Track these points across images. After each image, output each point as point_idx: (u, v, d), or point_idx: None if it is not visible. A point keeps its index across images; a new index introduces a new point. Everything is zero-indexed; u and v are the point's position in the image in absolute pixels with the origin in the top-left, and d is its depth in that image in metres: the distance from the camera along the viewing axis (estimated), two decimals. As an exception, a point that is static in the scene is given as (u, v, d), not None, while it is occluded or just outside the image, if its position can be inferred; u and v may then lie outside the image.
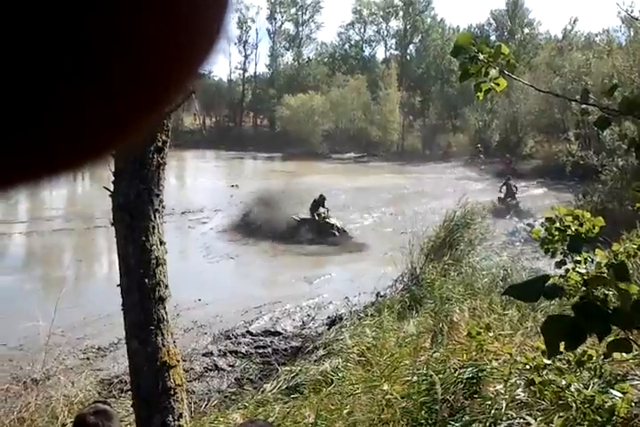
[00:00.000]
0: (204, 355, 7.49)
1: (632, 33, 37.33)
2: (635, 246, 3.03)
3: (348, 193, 22.88)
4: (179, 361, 3.44)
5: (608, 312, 1.25)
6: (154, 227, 3.28)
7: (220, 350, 7.64)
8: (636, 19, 28.71)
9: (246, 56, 58.00)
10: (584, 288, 2.44)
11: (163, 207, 3.39)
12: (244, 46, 57.65)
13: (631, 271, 6.80)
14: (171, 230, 14.84)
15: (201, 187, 25.06)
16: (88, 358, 7.37)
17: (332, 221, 15.26)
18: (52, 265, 12.58)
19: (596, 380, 3.97)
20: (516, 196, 18.75)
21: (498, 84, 2.15)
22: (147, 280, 3.27)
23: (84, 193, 22.75)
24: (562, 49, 39.55)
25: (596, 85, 21.63)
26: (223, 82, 62.56)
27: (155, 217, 3.29)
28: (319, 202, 15.81)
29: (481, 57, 2.06)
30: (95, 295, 9.05)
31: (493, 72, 2.10)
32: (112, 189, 3.32)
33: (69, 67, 0.19)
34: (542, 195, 22.28)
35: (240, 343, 7.89)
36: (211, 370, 7.08)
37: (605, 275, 2.29)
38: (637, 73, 24.99)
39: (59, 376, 5.46)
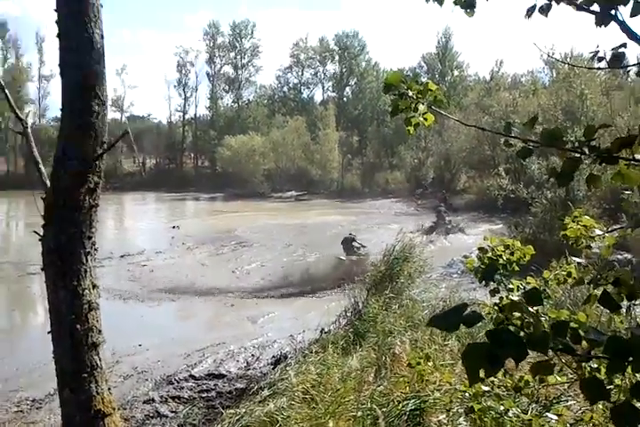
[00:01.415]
0: (145, 402, 7.23)
1: (554, 74, 39.96)
2: (564, 273, 3.18)
3: (290, 231, 23.00)
4: (114, 409, 3.35)
5: (521, 338, 1.27)
6: (86, 270, 3.24)
7: (161, 397, 7.39)
8: (558, 60, 30.72)
9: (186, 99, 58.30)
10: (500, 315, 2.53)
11: (95, 250, 3.35)
12: (183, 89, 57.98)
13: (563, 298, 7.06)
14: (109, 274, 14.47)
15: (141, 229, 24.61)
16: (22, 411, 6.98)
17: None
18: (-18, 316, 11.95)
19: (533, 404, 4.09)
20: (446, 219, 23.39)
21: (426, 119, 2.26)
22: (78, 326, 3.20)
23: (17, 239, 21.91)
24: (490, 89, 41.73)
25: (523, 123, 22.81)
26: (163, 124, 62.43)
27: (87, 260, 3.25)
28: (350, 238, 18.17)
29: (410, 93, 2.18)
30: (29, 345, 8.65)
31: (422, 107, 2.22)
32: (42, 233, 3.27)
33: None
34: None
35: (183, 388, 7.67)
36: (152, 417, 6.83)
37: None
38: (560, 111, 26.55)
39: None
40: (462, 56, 63.43)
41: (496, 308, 3.18)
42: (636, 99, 22.00)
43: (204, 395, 7.50)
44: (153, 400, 7.30)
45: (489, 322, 2.95)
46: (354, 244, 17.94)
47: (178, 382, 7.88)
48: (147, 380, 8.01)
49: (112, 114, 55.83)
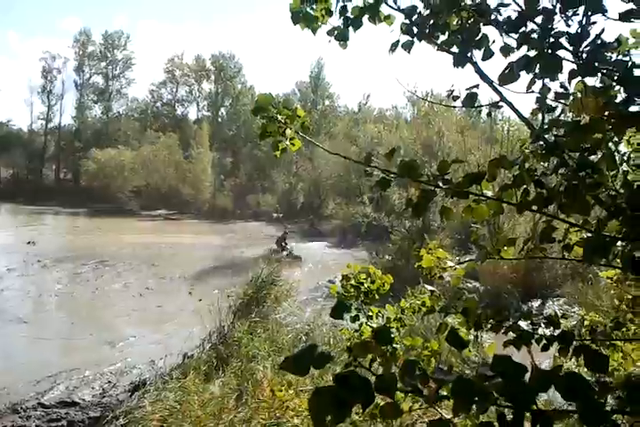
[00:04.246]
0: (-16, 434, 6.71)
1: (415, 110, 42.91)
2: (419, 302, 3.47)
3: (157, 251, 22.40)
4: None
5: (369, 382, 1.21)
6: None
7: (5, 427, 6.90)
8: (421, 98, 32.99)
9: (50, 106, 55.00)
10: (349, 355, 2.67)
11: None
12: (47, 96, 54.68)
13: (426, 324, 7.48)
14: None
15: (-9, 244, 22.61)
16: None
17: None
18: None
19: (388, 431, 4.38)
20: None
21: (294, 144, 2.34)
22: None
23: None
24: (357, 121, 43.86)
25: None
26: (23, 132, 58.16)
27: None
28: (283, 237, 22.30)
29: (279, 117, 2.25)
30: None
31: (290, 132, 2.29)
32: None
33: None
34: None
35: (30, 417, 7.20)
36: (-7, 450, 6.36)
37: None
38: (420, 145, 28.48)
39: None
40: (333, 87, 66.14)
41: (356, 334, 3.40)
42: (487, 138, 24.28)
43: (53, 424, 7.10)
44: (-6, 432, 6.79)
45: (350, 345, 3.16)
46: (284, 244, 21.68)
47: (25, 411, 7.38)
48: (-12, 409, 7.42)
49: (-35, 117, 51.17)
